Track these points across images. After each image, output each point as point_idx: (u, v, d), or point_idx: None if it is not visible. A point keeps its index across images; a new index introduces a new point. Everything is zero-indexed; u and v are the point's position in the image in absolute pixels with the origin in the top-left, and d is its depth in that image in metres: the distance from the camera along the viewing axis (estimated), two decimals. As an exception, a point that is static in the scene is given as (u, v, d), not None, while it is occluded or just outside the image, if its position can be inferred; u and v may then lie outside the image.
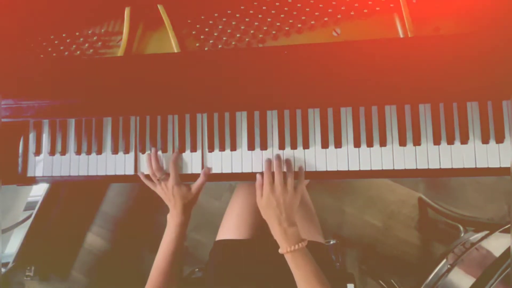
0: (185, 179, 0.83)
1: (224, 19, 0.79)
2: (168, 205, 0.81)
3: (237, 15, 0.79)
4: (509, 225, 0.96)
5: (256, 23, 0.78)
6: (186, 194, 0.80)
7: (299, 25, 0.77)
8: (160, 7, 0.80)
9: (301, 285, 0.70)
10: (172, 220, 0.80)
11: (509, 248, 0.89)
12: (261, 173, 0.78)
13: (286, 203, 0.74)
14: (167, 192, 0.80)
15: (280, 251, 0.73)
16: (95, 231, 1.75)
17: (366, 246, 1.51)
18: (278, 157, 0.79)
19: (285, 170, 0.79)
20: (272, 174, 0.77)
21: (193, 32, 0.80)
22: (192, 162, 0.83)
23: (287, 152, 0.81)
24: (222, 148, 0.82)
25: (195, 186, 0.81)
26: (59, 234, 1.72)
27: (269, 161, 0.79)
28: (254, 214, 0.96)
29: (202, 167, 0.83)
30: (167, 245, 0.79)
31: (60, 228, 1.71)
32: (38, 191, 1.55)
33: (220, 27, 0.79)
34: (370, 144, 0.78)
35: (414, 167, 0.77)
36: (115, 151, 0.85)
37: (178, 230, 0.80)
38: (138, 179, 0.84)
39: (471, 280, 0.90)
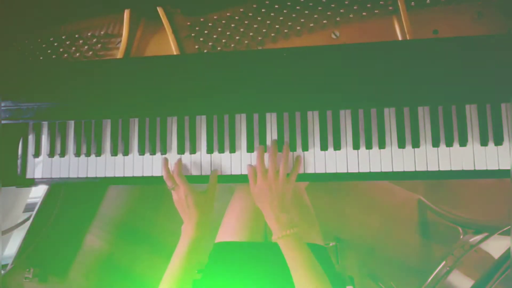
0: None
1: (223, 22, 0.79)
2: (183, 219, 0.79)
3: (236, 18, 0.79)
4: (508, 227, 0.96)
5: (255, 26, 0.79)
6: (201, 202, 0.79)
7: (298, 28, 0.77)
8: (159, 9, 0.80)
9: (294, 272, 0.70)
10: (186, 234, 0.78)
11: (508, 250, 0.89)
12: (251, 165, 0.80)
13: (278, 189, 0.74)
14: (182, 203, 0.78)
15: (272, 238, 0.73)
16: (94, 232, 1.75)
17: (365, 248, 1.51)
18: (273, 143, 0.79)
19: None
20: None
21: (193, 35, 0.81)
22: (191, 164, 0.84)
23: (298, 154, 0.81)
24: (221, 150, 0.82)
25: (208, 191, 0.81)
26: (58, 235, 1.72)
27: (261, 148, 0.79)
28: (254, 216, 0.96)
29: (202, 169, 0.83)
30: (179, 262, 0.75)
31: (59, 230, 1.71)
32: (37, 193, 1.55)
33: (219, 29, 0.79)
34: (369, 146, 0.78)
35: (413, 170, 0.77)
36: (114, 153, 0.85)
37: (191, 245, 0.76)
38: (136, 181, 0.84)
39: (470, 282, 0.91)
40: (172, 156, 0.84)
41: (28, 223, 1.51)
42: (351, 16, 0.76)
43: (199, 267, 0.86)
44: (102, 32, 0.83)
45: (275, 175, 0.75)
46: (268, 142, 0.81)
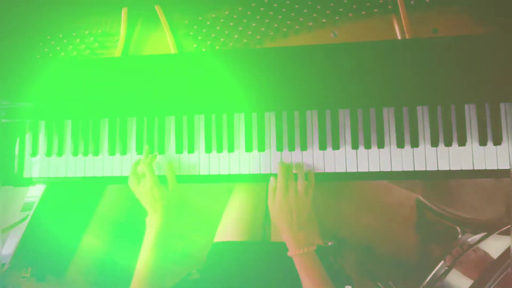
0: (183, 181, 0.83)
1: (221, 20, 0.79)
2: (147, 209, 0.79)
3: (235, 16, 0.79)
4: (506, 227, 0.96)
5: (253, 24, 0.78)
6: (165, 194, 0.78)
7: (296, 27, 0.77)
8: (157, 7, 0.80)
9: (307, 287, 0.70)
10: (152, 225, 0.78)
11: (506, 249, 0.88)
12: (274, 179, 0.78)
13: (298, 209, 0.74)
14: (147, 193, 0.78)
15: (288, 253, 0.73)
16: (93, 232, 1.74)
17: (364, 247, 1.51)
18: (287, 164, 0.79)
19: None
20: None
21: (191, 33, 0.80)
22: (190, 164, 0.83)
23: (285, 154, 0.80)
24: (219, 150, 0.82)
25: (171, 184, 0.80)
26: (56, 235, 1.71)
27: (283, 166, 0.78)
28: (252, 216, 0.96)
29: (200, 169, 0.83)
30: (147, 252, 0.76)
31: (57, 229, 1.70)
32: (35, 192, 1.54)
33: (217, 28, 0.79)
34: (368, 146, 0.78)
35: (412, 169, 0.77)
36: (112, 152, 0.85)
37: (158, 235, 0.77)
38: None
39: (469, 282, 0.90)
40: (171, 155, 0.84)
41: (26, 222, 1.51)
42: (350, 15, 0.76)
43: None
44: (99, 31, 0.83)
45: (295, 193, 0.74)
46: (267, 142, 0.81)
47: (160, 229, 0.77)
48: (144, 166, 0.79)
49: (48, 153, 0.87)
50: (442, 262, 1.02)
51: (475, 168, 0.75)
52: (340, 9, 0.76)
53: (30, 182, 0.88)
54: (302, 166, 0.79)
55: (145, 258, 0.76)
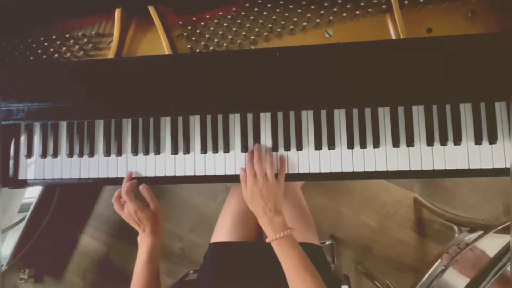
0: (181, 181, 0.83)
1: (216, 21, 0.79)
2: (138, 230, 0.80)
3: (229, 17, 0.79)
4: (503, 225, 0.96)
5: (248, 25, 0.78)
6: (150, 215, 0.79)
7: (291, 27, 0.77)
8: (151, 8, 0.79)
9: (289, 273, 0.70)
10: (143, 243, 0.79)
11: (502, 248, 0.88)
12: (245, 168, 0.79)
13: (269, 194, 0.74)
14: (132, 218, 0.79)
15: (267, 240, 0.74)
16: (90, 233, 1.74)
17: (361, 246, 1.52)
18: (257, 147, 0.79)
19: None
20: None
21: (185, 34, 0.80)
22: (186, 164, 0.83)
23: (281, 154, 0.80)
24: (215, 150, 0.82)
25: (152, 204, 0.81)
26: (53, 236, 1.71)
27: (251, 154, 0.79)
28: (249, 216, 0.96)
29: (195, 169, 0.82)
30: (141, 268, 0.77)
31: (55, 230, 1.70)
32: (32, 193, 1.54)
33: (212, 29, 0.79)
34: (363, 145, 0.77)
35: (408, 168, 0.77)
36: (107, 153, 0.85)
37: (150, 251, 0.78)
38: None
39: (465, 280, 0.90)
40: (166, 156, 0.83)
41: (23, 223, 1.50)
42: (344, 15, 0.76)
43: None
44: (93, 32, 0.82)
45: (264, 178, 0.75)
46: (263, 142, 0.81)
47: (151, 246, 0.78)
48: (123, 195, 0.79)
49: (43, 155, 0.86)
50: (439, 260, 1.02)
51: (470, 167, 0.75)
52: (334, 9, 0.76)
53: (25, 184, 0.88)
54: (271, 153, 0.79)
55: (139, 276, 0.77)
